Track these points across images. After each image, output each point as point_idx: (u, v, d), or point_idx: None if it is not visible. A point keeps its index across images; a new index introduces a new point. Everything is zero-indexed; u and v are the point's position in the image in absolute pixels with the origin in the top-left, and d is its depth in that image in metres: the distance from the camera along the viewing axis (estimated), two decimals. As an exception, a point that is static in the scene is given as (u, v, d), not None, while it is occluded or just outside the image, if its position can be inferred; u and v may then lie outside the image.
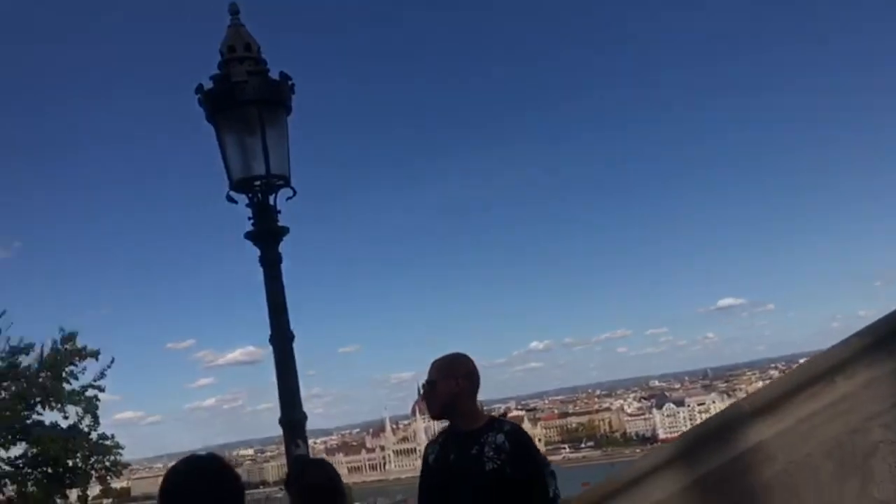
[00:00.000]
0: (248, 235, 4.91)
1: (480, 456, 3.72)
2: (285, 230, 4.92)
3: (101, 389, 21.44)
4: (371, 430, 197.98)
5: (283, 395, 4.74)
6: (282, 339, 4.79)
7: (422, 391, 3.99)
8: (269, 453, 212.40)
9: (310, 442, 4.88)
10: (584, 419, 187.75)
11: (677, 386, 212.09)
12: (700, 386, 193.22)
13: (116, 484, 26.29)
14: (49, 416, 20.75)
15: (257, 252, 4.91)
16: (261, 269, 4.91)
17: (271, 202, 4.92)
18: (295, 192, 5.03)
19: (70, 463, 20.79)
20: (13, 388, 19.82)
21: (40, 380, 19.98)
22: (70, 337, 20.96)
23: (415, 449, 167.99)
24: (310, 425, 4.95)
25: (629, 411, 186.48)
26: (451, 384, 3.89)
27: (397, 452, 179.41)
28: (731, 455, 3.61)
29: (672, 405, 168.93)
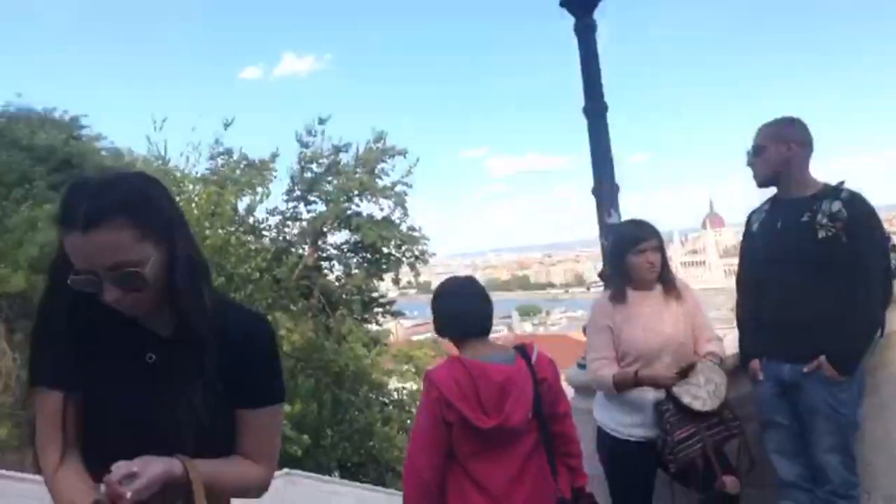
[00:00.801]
0: (563, 2, 4.81)
1: (812, 223, 3.49)
2: (600, -7, 4.74)
3: (409, 186, 23.34)
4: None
5: (596, 167, 4.75)
6: (596, 109, 4.75)
7: (747, 157, 3.78)
8: (555, 258, 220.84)
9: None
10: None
11: None
12: None
13: (422, 277, 28.82)
14: (365, 209, 23.16)
15: (572, 22, 4.82)
16: (575, 39, 4.83)
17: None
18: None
19: (385, 250, 23.23)
20: (335, 182, 22.19)
21: (357, 175, 22.13)
22: (380, 137, 22.78)
23: (703, 262, 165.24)
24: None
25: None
26: (782, 149, 3.64)
27: (685, 264, 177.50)
28: None
29: None
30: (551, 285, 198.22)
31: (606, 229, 4.62)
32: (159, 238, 1.58)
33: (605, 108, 4.76)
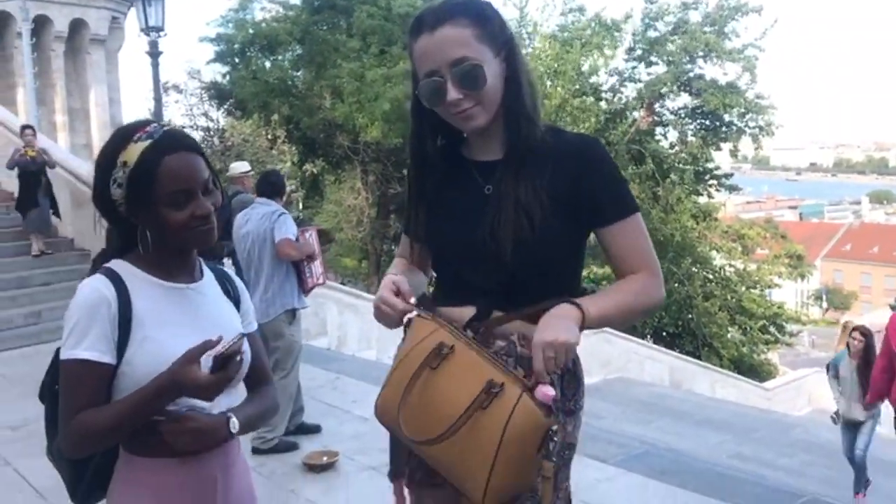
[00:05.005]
0: None
1: None
2: None
3: (761, 49, 21.34)
4: None
5: None
6: None
7: None
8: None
9: None
10: None
11: None
12: None
13: (760, 153, 26.78)
14: (709, 72, 21.70)
15: None
16: None
17: None
18: None
19: (726, 118, 21.76)
20: (679, 42, 20.95)
21: (704, 35, 20.65)
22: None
23: None
24: None
25: None
26: None
27: None
28: None
29: None
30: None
31: None
32: (498, 49, 1.66)
33: None
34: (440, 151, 1.78)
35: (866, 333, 7.57)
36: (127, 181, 1.55)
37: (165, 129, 1.59)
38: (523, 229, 1.62)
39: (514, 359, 1.62)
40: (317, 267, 5.34)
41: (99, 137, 19.42)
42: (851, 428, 7.46)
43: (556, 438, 1.59)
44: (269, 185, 5.36)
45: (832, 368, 7.72)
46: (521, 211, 1.62)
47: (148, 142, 1.55)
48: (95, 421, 1.52)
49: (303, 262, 5.14)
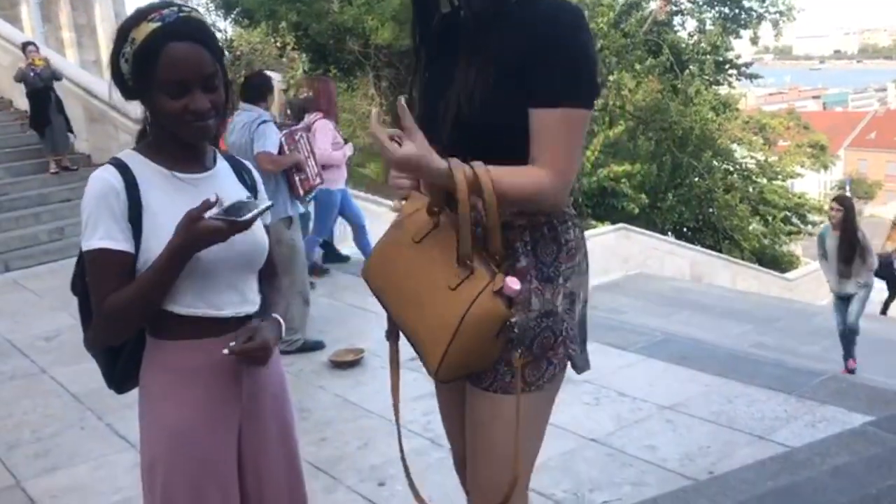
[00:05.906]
0: None
1: None
2: None
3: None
4: None
5: None
6: None
7: None
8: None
9: None
10: None
11: None
12: None
13: (782, 41, 25.98)
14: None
15: None
16: None
17: None
18: None
19: (745, 3, 21.11)
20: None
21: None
22: None
23: None
24: None
25: None
26: None
27: None
28: None
29: None
30: None
31: None
32: None
33: None
34: (442, 16, 1.72)
35: (844, 203, 7.20)
36: (132, 58, 1.56)
37: (182, 15, 1.57)
38: (460, 108, 1.57)
39: (480, 227, 1.58)
40: (311, 167, 5.26)
41: (108, 53, 19.20)
42: (843, 303, 7.25)
43: (516, 330, 1.60)
44: (252, 89, 5.12)
45: (819, 246, 7.42)
46: (463, 88, 1.57)
47: (158, 24, 1.54)
48: (121, 300, 1.55)
49: (291, 170, 5.05)
